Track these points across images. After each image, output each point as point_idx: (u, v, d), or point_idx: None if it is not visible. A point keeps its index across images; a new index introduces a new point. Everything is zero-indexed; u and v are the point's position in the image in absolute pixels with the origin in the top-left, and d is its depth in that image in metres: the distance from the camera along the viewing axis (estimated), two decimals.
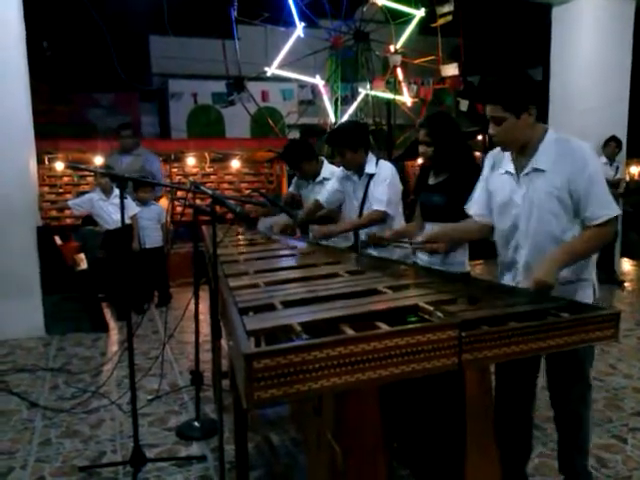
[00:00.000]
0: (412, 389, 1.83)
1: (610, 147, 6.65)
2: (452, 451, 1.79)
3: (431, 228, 2.97)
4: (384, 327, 1.51)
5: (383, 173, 3.37)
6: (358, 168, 3.44)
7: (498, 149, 2.36)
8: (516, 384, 2.40)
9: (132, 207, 5.79)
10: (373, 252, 3.35)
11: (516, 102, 2.13)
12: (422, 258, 3.06)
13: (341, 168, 3.58)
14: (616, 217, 2.14)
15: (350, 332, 1.48)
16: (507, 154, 2.32)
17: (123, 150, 6.37)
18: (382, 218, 3.32)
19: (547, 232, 2.21)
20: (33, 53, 5.53)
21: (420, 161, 3.22)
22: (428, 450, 2.00)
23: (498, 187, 2.37)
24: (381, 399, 1.67)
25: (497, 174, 2.38)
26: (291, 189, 4.17)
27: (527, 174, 2.22)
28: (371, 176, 3.40)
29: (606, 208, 2.11)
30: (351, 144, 3.36)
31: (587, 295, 2.24)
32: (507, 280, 2.42)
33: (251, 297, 1.91)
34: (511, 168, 2.29)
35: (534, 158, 2.20)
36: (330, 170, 3.87)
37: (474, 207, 2.51)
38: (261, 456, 2.94)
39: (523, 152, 2.23)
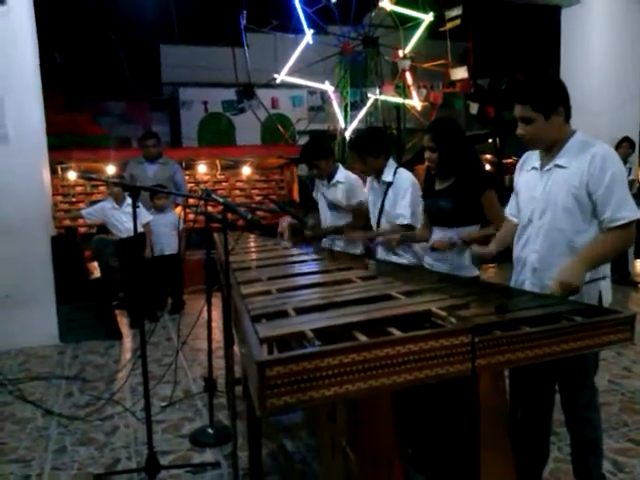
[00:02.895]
0: (426, 395, 1.83)
1: (623, 148, 6.60)
2: (467, 457, 1.78)
3: (442, 233, 2.98)
4: (397, 333, 1.51)
5: (402, 184, 3.36)
6: (378, 173, 3.46)
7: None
8: (533, 389, 2.38)
9: (145, 215, 5.83)
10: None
11: (545, 102, 2.15)
12: (431, 263, 3.06)
13: (369, 177, 3.60)
14: (636, 221, 2.12)
15: (363, 338, 1.48)
16: (537, 152, 2.33)
17: (148, 159, 6.40)
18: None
19: (559, 230, 2.20)
20: (45, 63, 5.60)
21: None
22: (443, 456, 1.99)
23: (523, 184, 2.41)
24: (395, 405, 1.67)
25: (524, 172, 2.42)
26: (314, 193, 4.20)
27: (548, 170, 2.24)
28: (389, 184, 3.40)
29: (626, 210, 2.10)
30: (372, 150, 3.38)
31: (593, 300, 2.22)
32: (513, 279, 2.42)
33: (263, 304, 1.92)
34: (537, 164, 2.31)
35: (557, 156, 2.22)
36: (345, 175, 3.88)
37: (508, 207, 2.56)
38: (275, 463, 2.94)
39: (550, 151, 2.25)
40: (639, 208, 2.16)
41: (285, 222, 4.23)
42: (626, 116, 6.93)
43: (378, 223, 3.51)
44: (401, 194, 3.35)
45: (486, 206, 2.86)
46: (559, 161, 2.21)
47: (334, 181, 3.88)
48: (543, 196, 2.25)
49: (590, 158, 2.12)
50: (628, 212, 2.10)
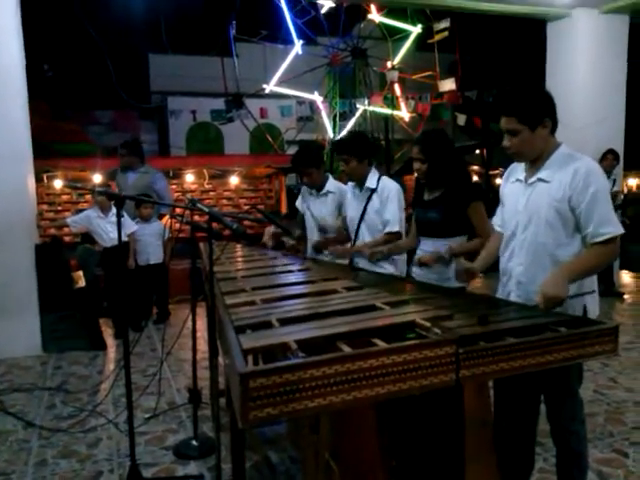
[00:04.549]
0: (410, 406, 1.81)
1: (607, 160, 6.67)
2: (452, 468, 1.77)
3: (430, 244, 2.97)
4: (381, 344, 1.50)
5: (388, 191, 3.35)
6: (360, 180, 3.45)
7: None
8: (517, 400, 2.38)
9: (130, 225, 5.79)
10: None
11: (531, 114, 2.15)
12: (417, 273, 3.06)
13: (350, 184, 3.59)
14: (619, 236, 2.13)
15: (347, 349, 1.47)
16: (523, 164, 2.34)
17: (125, 168, 6.35)
18: (397, 240, 3.33)
19: (541, 243, 2.20)
20: (33, 72, 5.56)
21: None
22: (427, 467, 1.98)
23: (508, 195, 2.41)
24: (378, 416, 1.66)
25: (510, 183, 2.42)
26: (298, 202, 4.17)
27: (532, 183, 2.25)
28: (372, 191, 3.40)
29: (609, 226, 2.10)
30: (357, 153, 3.37)
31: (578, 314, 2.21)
32: (499, 291, 2.42)
33: (248, 315, 1.91)
34: (522, 177, 2.31)
35: (542, 169, 2.22)
36: (335, 185, 3.88)
37: (495, 218, 2.55)
38: (259, 475, 2.91)
39: (534, 163, 2.26)
40: (623, 219, 2.17)
41: (271, 231, 4.23)
42: (611, 130, 7.00)
43: (357, 230, 3.50)
44: (389, 200, 3.34)
45: (473, 218, 2.86)
46: (542, 174, 2.21)
47: (324, 191, 3.87)
48: (526, 209, 2.26)
49: (573, 172, 2.12)
50: (611, 228, 2.10)
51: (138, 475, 2.75)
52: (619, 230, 2.11)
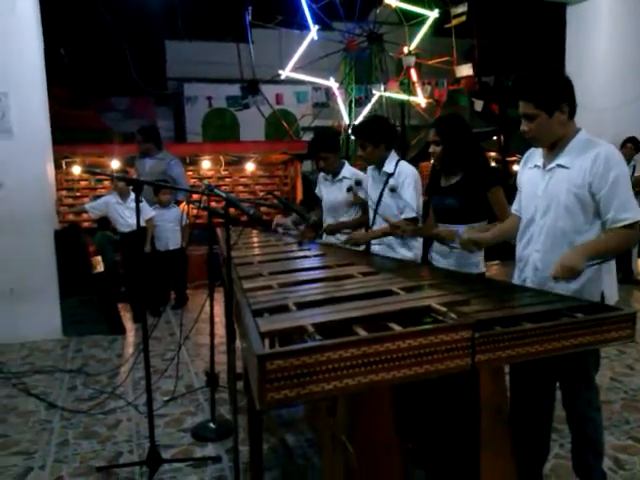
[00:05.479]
0: (426, 389, 1.83)
1: (627, 148, 6.58)
2: (467, 452, 1.79)
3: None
4: (397, 328, 1.51)
5: (405, 176, 3.33)
6: (378, 163, 3.44)
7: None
8: (533, 385, 2.38)
9: (148, 211, 5.84)
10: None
11: (548, 99, 2.14)
12: (437, 259, 3.06)
13: (369, 167, 3.58)
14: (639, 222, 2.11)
15: (363, 333, 1.49)
16: (540, 149, 2.33)
17: (142, 154, 6.40)
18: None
19: (560, 229, 2.20)
20: (51, 58, 5.60)
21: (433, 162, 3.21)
22: (443, 451, 2.00)
23: (526, 181, 2.41)
24: (395, 400, 1.67)
25: (527, 168, 2.41)
26: (317, 190, 4.18)
27: (551, 169, 2.24)
28: (389, 175, 3.39)
29: (629, 212, 2.09)
30: (373, 138, 3.36)
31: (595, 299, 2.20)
32: (515, 277, 2.42)
33: (265, 299, 1.92)
34: (540, 162, 2.30)
35: (561, 155, 2.21)
36: (351, 171, 3.87)
37: (514, 205, 2.54)
38: (276, 457, 2.95)
39: (553, 149, 2.24)
40: None
41: (278, 221, 4.26)
42: (631, 114, 6.90)
43: (375, 213, 3.50)
44: (405, 186, 3.33)
45: (493, 203, 2.84)
46: (561, 160, 2.20)
47: (340, 177, 3.87)
48: (545, 195, 2.25)
49: (593, 158, 2.11)
50: (631, 213, 2.09)
51: (157, 456, 2.81)
52: (639, 215, 2.10)
